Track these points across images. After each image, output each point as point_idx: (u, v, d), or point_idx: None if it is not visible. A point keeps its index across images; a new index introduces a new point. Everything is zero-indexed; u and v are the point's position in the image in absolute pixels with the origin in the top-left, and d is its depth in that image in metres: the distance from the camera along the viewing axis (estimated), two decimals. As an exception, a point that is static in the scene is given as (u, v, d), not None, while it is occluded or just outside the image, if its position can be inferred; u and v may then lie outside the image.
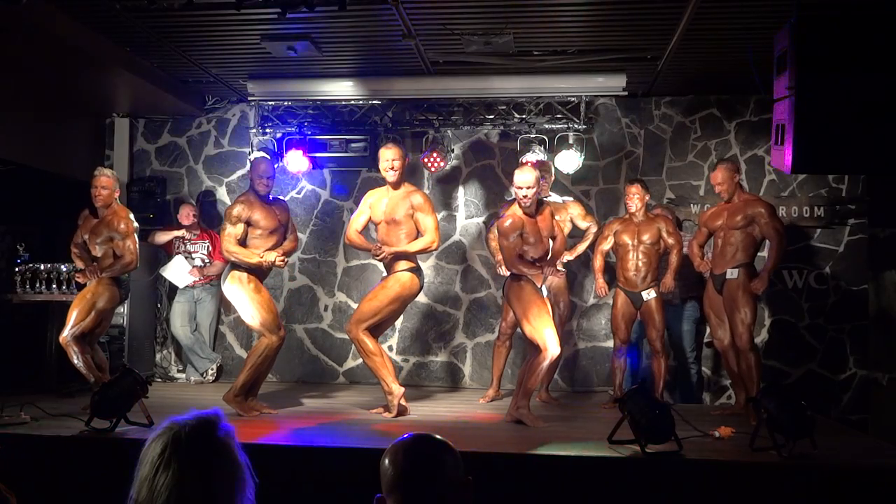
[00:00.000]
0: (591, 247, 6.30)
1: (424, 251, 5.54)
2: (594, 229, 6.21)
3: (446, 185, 7.24)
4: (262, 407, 5.53)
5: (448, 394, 6.66)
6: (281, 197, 6.37)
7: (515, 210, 5.24)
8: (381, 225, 5.53)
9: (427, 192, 6.76)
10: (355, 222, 5.62)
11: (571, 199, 6.42)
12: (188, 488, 1.45)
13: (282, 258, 5.47)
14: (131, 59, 6.03)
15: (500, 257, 6.31)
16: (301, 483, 4.06)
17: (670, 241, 5.99)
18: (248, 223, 5.43)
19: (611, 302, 6.35)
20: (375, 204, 5.58)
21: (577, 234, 6.32)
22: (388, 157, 5.43)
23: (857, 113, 4.06)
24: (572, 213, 6.20)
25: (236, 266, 5.44)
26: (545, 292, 5.30)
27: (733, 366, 5.68)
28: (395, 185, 5.48)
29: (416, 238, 5.46)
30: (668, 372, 6.09)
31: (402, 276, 5.42)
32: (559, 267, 6.07)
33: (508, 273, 5.32)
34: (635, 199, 5.95)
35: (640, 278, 5.98)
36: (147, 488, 1.45)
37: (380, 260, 5.50)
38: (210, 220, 7.37)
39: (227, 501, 1.49)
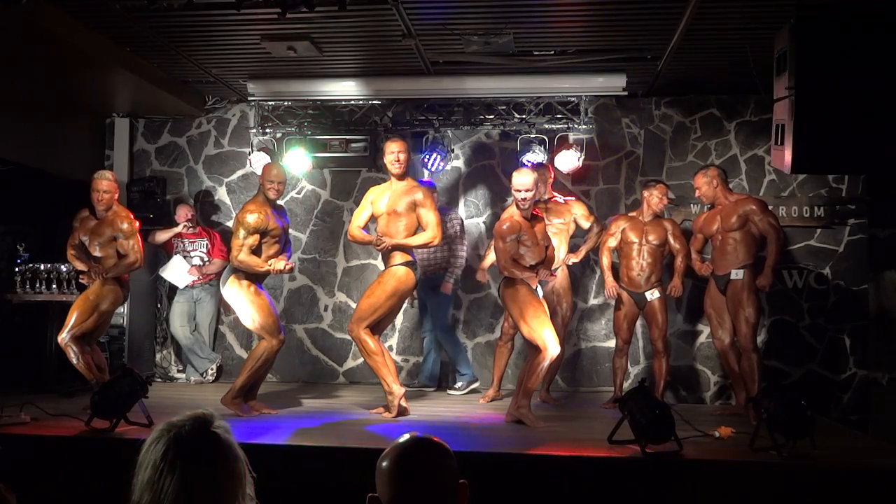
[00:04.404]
0: (594, 248, 6.31)
1: (426, 246, 5.56)
2: (596, 229, 6.22)
3: (446, 185, 7.24)
4: (261, 407, 5.53)
5: (448, 394, 6.65)
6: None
7: (514, 213, 5.24)
8: (381, 217, 5.55)
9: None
10: (357, 219, 5.65)
11: (574, 198, 6.43)
12: (196, 487, 1.45)
13: (289, 264, 5.53)
14: (131, 59, 6.03)
15: (485, 263, 6.36)
16: (301, 483, 4.06)
17: (676, 245, 5.99)
18: (262, 233, 5.42)
19: (611, 303, 6.35)
20: (377, 199, 5.61)
21: (579, 235, 6.34)
22: (394, 150, 5.47)
23: (857, 113, 4.07)
24: (576, 214, 6.20)
25: (236, 270, 5.44)
26: (540, 293, 5.30)
27: (734, 366, 5.69)
28: (400, 178, 5.52)
29: (416, 232, 5.48)
30: (668, 372, 6.10)
31: (398, 271, 5.43)
32: (567, 263, 6.12)
33: (503, 276, 5.32)
34: (655, 198, 5.95)
35: (643, 278, 5.98)
36: (150, 491, 1.45)
37: (380, 250, 5.53)
38: (208, 219, 7.38)
39: (232, 496, 1.49)
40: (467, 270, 7.05)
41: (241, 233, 5.36)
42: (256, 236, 5.39)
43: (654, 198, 5.98)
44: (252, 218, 5.36)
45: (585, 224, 6.21)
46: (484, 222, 7.17)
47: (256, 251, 5.42)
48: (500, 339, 6.34)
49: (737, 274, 5.52)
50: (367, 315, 5.38)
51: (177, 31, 5.46)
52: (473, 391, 6.60)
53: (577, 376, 7.01)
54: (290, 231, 6.16)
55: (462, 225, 6.79)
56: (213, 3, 4.60)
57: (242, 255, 5.37)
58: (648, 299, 5.97)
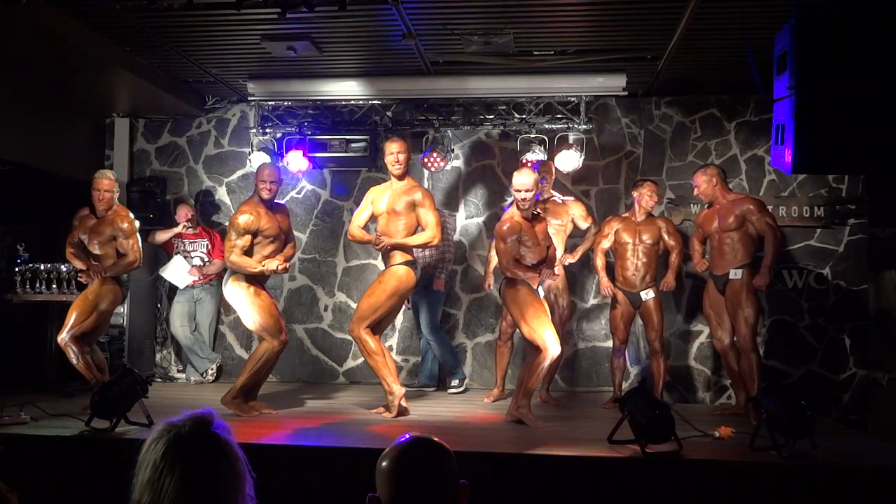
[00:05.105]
0: (592, 248, 6.31)
1: (425, 245, 5.57)
2: (594, 230, 6.22)
3: (446, 185, 7.24)
4: (261, 407, 5.53)
5: (448, 394, 6.65)
6: (279, 200, 6.29)
7: (514, 213, 5.23)
8: (381, 216, 5.56)
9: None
10: (357, 218, 5.66)
11: (572, 198, 6.43)
12: (196, 487, 1.45)
13: (283, 265, 5.49)
14: (131, 59, 6.03)
15: (490, 268, 6.34)
16: (301, 483, 4.06)
17: (671, 241, 6.01)
18: (254, 234, 5.43)
19: (610, 302, 6.35)
20: (377, 198, 5.62)
21: (578, 235, 6.33)
22: (394, 150, 5.48)
23: (857, 113, 4.06)
24: (574, 214, 6.20)
25: (237, 271, 5.45)
26: (541, 293, 5.30)
27: (733, 366, 5.69)
28: (400, 178, 5.53)
29: (415, 232, 5.48)
30: (667, 372, 6.10)
31: (398, 270, 5.44)
32: (563, 263, 6.11)
33: (504, 276, 5.32)
34: (645, 197, 5.96)
35: (638, 278, 5.99)
36: (150, 491, 1.45)
37: (379, 249, 5.53)
38: (209, 219, 7.38)
39: (232, 496, 1.49)
40: (468, 271, 7.06)
41: (233, 234, 5.39)
42: (248, 237, 5.39)
43: (643, 197, 5.99)
44: (243, 219, 5.38)
45: (583, 224, 6.22)
46: (484, 222, 7.17)
47: (249, 251, 5.43)
48: (500, 338, 6.34)
49: (735, 274, 5.52)
50: (367, 315, 5.38)
51: (177, 31, 5.46)
52: (470, 388, 6.60)
53: (577, 376, 7.01)
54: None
55: (451, 226, 6.87)
56: (213, 3, 4.60)
57: (234, 257, 5.39)
58: (643, 299, 5.98)
